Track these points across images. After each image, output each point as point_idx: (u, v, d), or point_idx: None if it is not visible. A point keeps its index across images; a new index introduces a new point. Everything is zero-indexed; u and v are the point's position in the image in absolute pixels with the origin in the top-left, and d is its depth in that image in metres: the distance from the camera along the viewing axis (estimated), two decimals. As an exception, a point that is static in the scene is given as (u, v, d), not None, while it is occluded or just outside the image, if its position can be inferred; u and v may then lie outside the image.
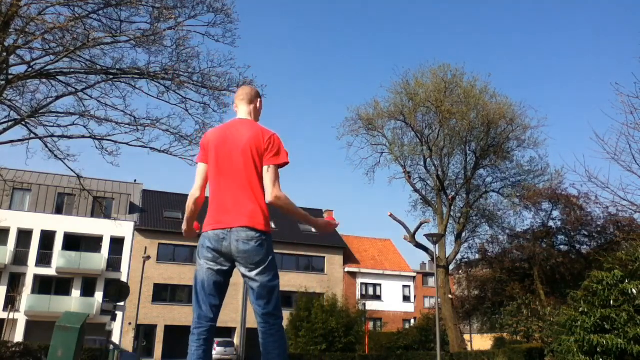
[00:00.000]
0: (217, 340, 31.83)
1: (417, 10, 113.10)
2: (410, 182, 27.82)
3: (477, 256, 29.71)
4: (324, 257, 42.24)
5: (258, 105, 3.20)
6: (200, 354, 2.84)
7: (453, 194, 27.86)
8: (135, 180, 40.91)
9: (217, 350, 30.96)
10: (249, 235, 2.82)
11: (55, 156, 14.21)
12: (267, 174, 2.89)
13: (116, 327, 31.45)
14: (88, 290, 34.87)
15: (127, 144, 14.43)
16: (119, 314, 27.38)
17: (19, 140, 13.61)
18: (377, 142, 28.39)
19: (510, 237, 28.55)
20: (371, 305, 39.70)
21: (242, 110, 3.15)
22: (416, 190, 28.23)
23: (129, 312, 31.78)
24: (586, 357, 9.27)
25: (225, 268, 2.91)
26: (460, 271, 31.80)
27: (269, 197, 2.88)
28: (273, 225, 38.33)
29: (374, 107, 27.88)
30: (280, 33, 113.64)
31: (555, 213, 27.28)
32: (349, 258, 44.74)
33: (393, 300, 46.47)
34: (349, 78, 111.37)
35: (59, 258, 34.07)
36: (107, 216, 32.52)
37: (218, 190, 2.94)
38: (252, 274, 2.84)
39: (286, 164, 2.97)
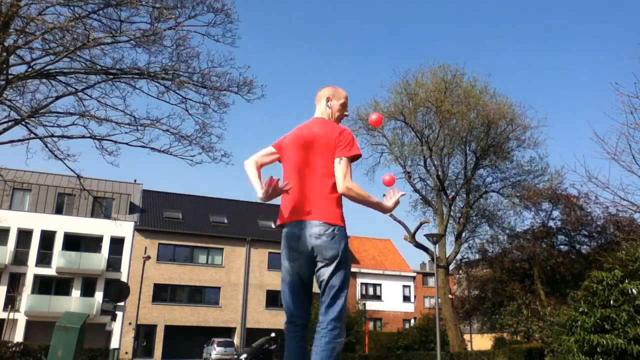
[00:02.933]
0: (217, 340, 31.82)
1: (418, 11, 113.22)
2: (410, 182, 27.82)
3: (477, 256, 29.74)
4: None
5: (329, 104, 3.23)
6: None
7: (453, 194, 27.86)
8: (135, 180, 40.89)
9: (217, 350, 30.94)
10: (320, 229, 2.82)
11: (55, 156, 14.24)
12: (339, 165, 2.92)
13: (116, 327, 31.39)
14: (88, 290, 34.85)
15: (127, 144, 14.47)
16: (119, 314, 27.35)
17: (19, 140, 13.64)
18: (377, 142, 28.42)
19: (510, 237, 28.57)
20: (371, 305, 39.68)
21: (317, 109, 3.28)
22: (416, 190, 28.25)
23: (129, 312, 31.74)
24: (586, 357, 9.26)
25: (304, 265, 2.91)
26: (460, 271, 31.80)
27: (340, 189, 2.90)
28: (272, 224, 38.57)
29: (374, 107, 27.87)
30: (280, 33, 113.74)
31: (555, 213, 27.35)
32: (349, 258, 44.72)
33: (393, 300, 46.51)
34: (349, 78, 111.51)
35: (59, 258, 34.04)
36: (107, 216, 32.53)
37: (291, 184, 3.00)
38: (324, 270, 2.83)
39: (358, 156, 3.00)
